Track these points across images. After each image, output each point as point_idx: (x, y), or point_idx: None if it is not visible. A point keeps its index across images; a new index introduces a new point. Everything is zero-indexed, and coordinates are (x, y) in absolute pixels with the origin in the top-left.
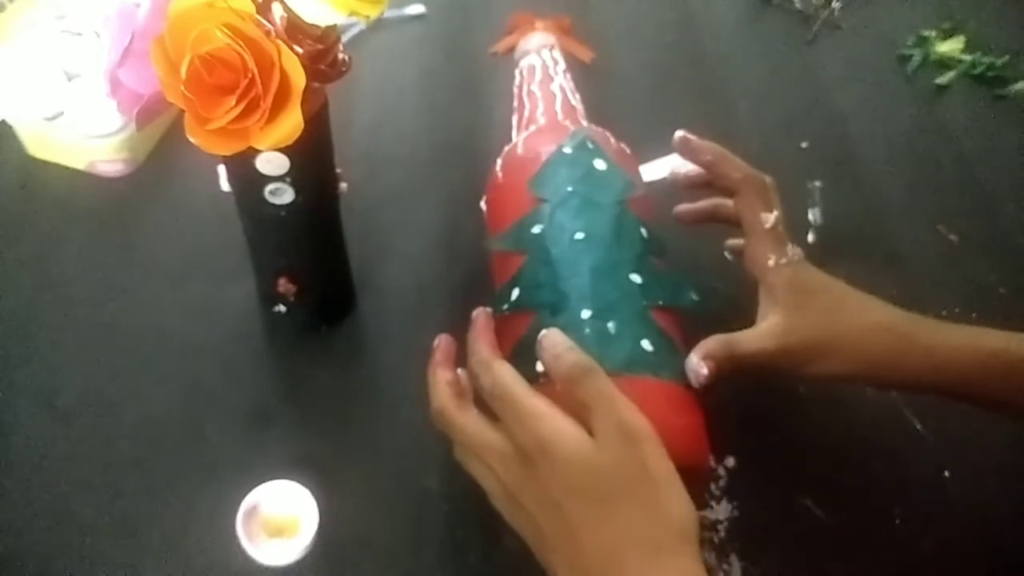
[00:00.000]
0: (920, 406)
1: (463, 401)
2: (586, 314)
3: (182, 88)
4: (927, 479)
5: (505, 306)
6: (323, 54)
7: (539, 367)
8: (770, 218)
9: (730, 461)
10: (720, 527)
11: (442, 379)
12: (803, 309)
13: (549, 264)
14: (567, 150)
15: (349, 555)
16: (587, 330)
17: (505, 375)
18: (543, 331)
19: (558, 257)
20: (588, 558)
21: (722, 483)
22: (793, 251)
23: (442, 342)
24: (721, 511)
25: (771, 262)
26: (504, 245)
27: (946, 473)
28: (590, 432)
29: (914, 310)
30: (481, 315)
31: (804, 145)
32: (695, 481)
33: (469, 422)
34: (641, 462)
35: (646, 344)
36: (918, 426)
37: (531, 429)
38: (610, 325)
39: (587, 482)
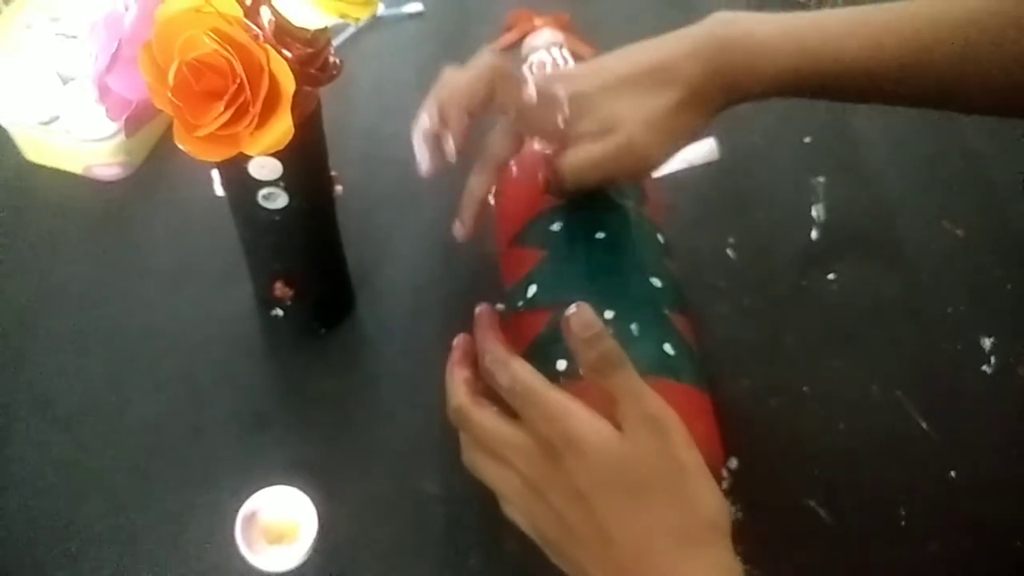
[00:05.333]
0: (926, 405)
1: (481, 399)
2: (609, 315)
3: (170, 95)
4: (933, 480)
5: (520, 303)
6: (313, 58)
7: (559, 366)
8: (531, 92)
9: (733, 462)
10: None
11: (460, 377)
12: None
13: (571, 262)
14: None
15: (349, 560)
16: (611, 331)
17: (524, 372)
18: (572, 307)
19: (580, 255)
20: (620, 551)
21: (725, 484)
22: (561, 92)
23: (461, 341)
24: None
25: (561, 123)
26: (521, 242)
27: (952, 473)
28: (616, 425)
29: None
30: (485, 311)
31: (807, 140)
32: None
33: (488, 419)
34: (670, 453)
35: (668, 348)
36: (924, 426)
37: (557, 424)
38: (633, 327)
39: (616, 475)
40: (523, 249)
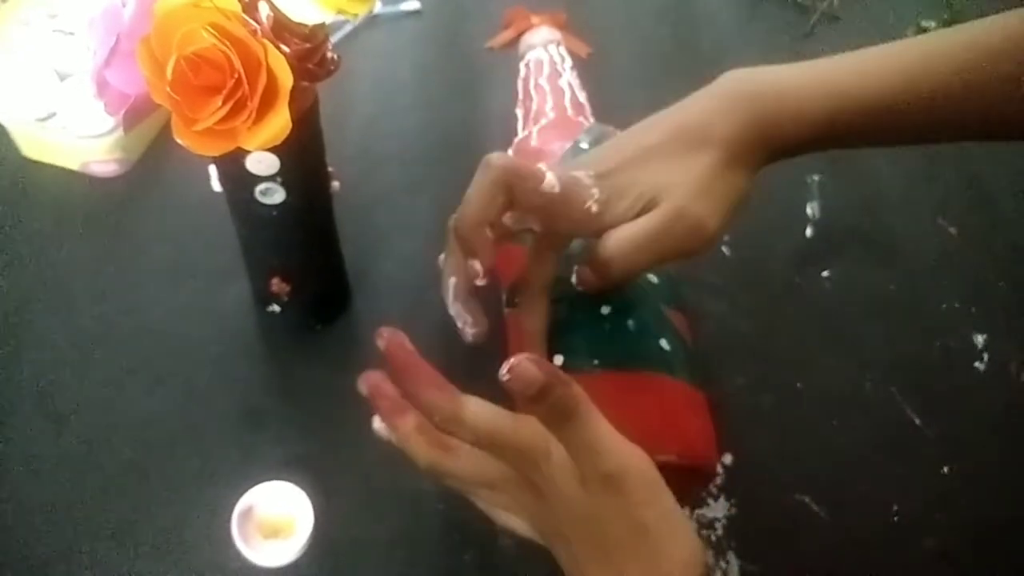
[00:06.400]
0: (920, 402)
1: (445, 441)
2: (606, 310)
3: (168, 89)
4: (926, 476)
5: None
6: (311, 53)
7: (556, 361)
8: (553, 180)
9: (728, 458)
10: (717, 525)
11: (411, 428)
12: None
13: (568, 258)
14: (584, 145)
15: (344, 556)
16: (607, 325)
17: (483, 421)
18: (508, 364)
19: (576, 251)
20: None
21: (720, 480)
22: (586, 178)
23: (379, 388)
24: (719, 509)
25: (594, 207)
26: (517, 239)
27: (945, 469)
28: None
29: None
30: (395, 344)
31: None
32: (701, 482)
33: (467, 467)
34: (629, 514)
35: (664, 343)
36: (917, 422)
37: (531, 465)
38: (630, 322)
39: (586, 527)
40: (519, 247)
